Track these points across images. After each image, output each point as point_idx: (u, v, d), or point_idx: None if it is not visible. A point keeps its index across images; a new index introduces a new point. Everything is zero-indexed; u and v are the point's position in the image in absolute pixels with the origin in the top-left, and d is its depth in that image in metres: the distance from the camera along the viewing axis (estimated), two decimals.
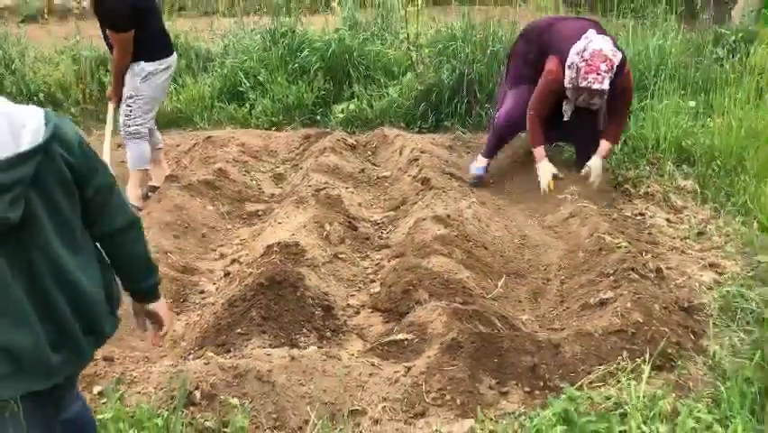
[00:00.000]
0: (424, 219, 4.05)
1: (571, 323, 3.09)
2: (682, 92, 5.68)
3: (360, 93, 6.29)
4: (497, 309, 3.23)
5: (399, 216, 4.46)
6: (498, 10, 7.00)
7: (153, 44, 4.47)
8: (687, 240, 3.96)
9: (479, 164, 4.92)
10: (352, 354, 2.90)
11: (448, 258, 3.59)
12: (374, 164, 5.52)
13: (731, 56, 6.31)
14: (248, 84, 6.47)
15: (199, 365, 2.63)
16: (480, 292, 3.39)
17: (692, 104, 5.49)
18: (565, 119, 4.52)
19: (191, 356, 2.95)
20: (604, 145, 4.47)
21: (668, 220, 4.22)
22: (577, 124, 4.55)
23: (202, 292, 3.63)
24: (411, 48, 6.17)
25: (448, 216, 4.03)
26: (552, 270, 3.78)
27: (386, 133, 5.83)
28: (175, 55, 4.74)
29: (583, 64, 4.16)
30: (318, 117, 6.31)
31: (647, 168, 4.81)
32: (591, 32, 4.34)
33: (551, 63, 4.42)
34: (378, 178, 5.22)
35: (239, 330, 3.00)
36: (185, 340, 3.15)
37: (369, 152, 5.72)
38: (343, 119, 6.15)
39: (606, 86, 4.14)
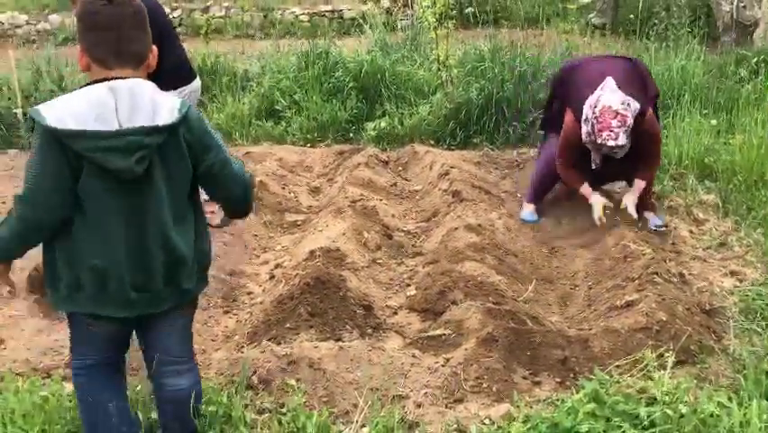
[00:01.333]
0: (456, 228, 4.27)
1: (599, 323, 3.29)
2: (705, 111, 5.88)
3: (391, 111, 6.55)
4: (528, 310, 3.44)
5: (432, 227, 4.68)
6: (524, 33, 7.29)
7: (171, 73, 4.00)
8: (709, 250, 4.14)
9: (528, 210, 4.75)
10: (394, 347, 3.12)
11: (480, 264, 3.80)
12: (405, 179, 5.76)
13: (753, 77, 6.51)
14: (284, 103, 6.78)
15: (256, 353, 2.88)
16: (512, 295, 3.60)
17: (714, 122, 5.68)
18: (593, 168, 4.39)
19: (244, 349, 3.19)
20: (637, 184, 4.34)
21: (691, 232, 4.40)
22: (613, 166, 4.37)
23: (250, 293, 3.88)
24: (441, 68, 6.43)
25: (479, 225, 4.25)
26: (579, 276, 3.97)
27: (416, 150, 6.08)
28: (198, 81, 4.42)
29: (595, 121, 4.01)
30: (351, 135, 6.58)
31: (670, 183, 4.99)
32: (608, 82, 4.11)
33: (567, 116, 4.32)
34: (410, 191, 5.46)
35: (288, 325, 3.24)
36: (237, 335, 3.38)
37: (400, 168, 5.97)
38: (375, 136, 6.40)
39: (621, 141, 3.97)
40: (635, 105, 4.04)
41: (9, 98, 6.76)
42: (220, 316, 3.63)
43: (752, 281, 3.64)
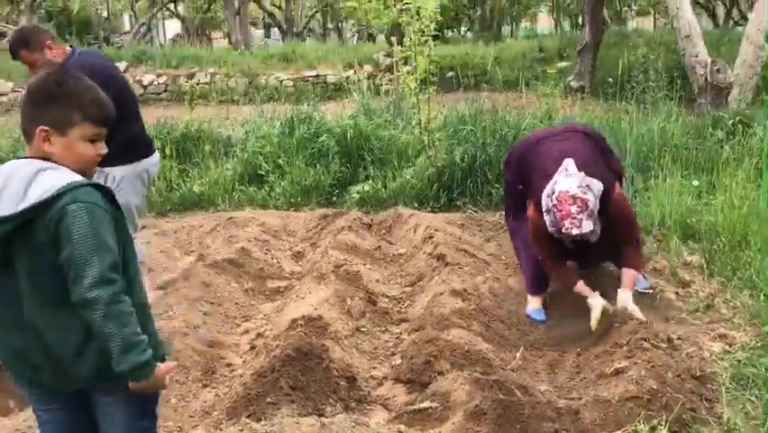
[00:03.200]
0: (441, 293, 4.21)
1: (589, 391, 3.20)
2: (685, 172, 5.94)
3: (374, 175, 6.57)
4: (516, 379, 3.35)
5: (416, 292, 4.62)
6: (504, 96, 7.41)
7: (129, 146, 3.76)
8: (696, 312, 4.09)
9: (534, 306, 4.27)
10: (379, 423, 3.00)
11: (467, 330, 3.73)
12: (390, 242, 5.72)
13: (730, 138, 6.61)
14: (267, 167, 6.78)
15: (234, 432, 2.75)
16: (500, 363, 3.51)
17: (696, 183, 5.73)
18: (572, 250, 4.06)
19: (222, 426, 3.06)
20: (627, 275, 3.93)
21: (677, 294, 4.36)
22: (594, 248, 4.06)
23: (229, 365, 3.77)
24: (423, 132, 6.49)
25: (465, 290, 4.19)
26: (567, 342, 3.90)
27: (400, 213, 6.07)
28: (155, 157, 4.11)
29: (555, 209, 3.68)
30: (335, 198, 6.58)
31: (654, 245, 4.98)
32: (568, 164, 3.81)
33: (529, 209, 4.02)
34: (394, 255, 5.41)
35: (268, 400, 3.12)
36: (216, 410, 3.25)
37: (384, 231, 5.95)
38: (359, 199, 6.41)
39: (586, 228, 3.63)
40: (598, 186, 3.73)
41: None
42: (198, 390, 3.50)
43: (741, 345, 3.58)
